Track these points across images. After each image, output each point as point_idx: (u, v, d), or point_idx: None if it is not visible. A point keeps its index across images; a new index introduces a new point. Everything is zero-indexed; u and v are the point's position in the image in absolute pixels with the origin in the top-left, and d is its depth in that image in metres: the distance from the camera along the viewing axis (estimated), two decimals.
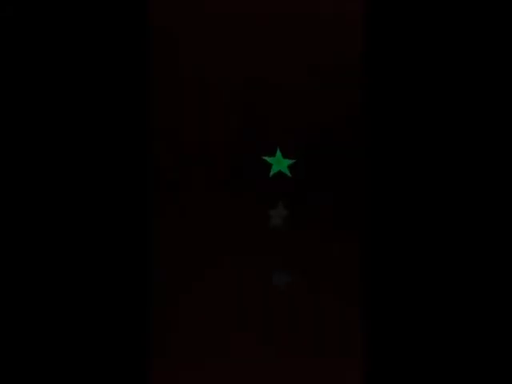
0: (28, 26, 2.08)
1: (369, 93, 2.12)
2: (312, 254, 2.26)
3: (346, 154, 2.21)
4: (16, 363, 2.10)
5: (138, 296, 2.14)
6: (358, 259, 2.20)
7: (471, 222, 2.06)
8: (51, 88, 2.07)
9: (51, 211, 2.06)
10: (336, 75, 2.22)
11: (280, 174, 2.26)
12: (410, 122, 2.07)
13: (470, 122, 2.04)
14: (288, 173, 2.24)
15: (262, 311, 2.29)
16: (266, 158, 2.24)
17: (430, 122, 2.06)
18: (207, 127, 2.25)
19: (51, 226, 2.08)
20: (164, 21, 2.22)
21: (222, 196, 2.27)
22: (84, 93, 2.08)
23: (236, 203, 2.27)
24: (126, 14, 2.12)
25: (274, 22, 2.23)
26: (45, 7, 2.08)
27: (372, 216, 2.11)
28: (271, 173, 2.24)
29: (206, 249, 2.28)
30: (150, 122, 2.19)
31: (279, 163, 2.25)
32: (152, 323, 2.22)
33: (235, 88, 2.25)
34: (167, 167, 2.24)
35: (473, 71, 2.05)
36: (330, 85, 2.22)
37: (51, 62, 2.07)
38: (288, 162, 2.24)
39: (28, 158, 2.05)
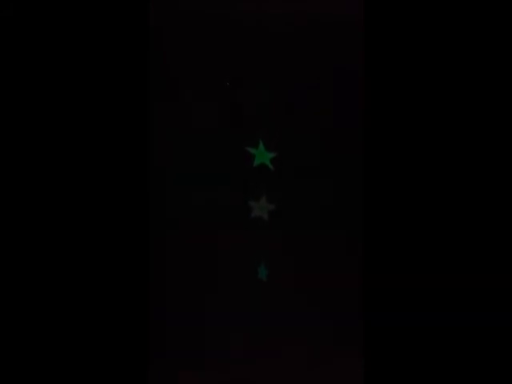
0: (27, 25, 2.08)
1: (369, 93, 2.12)
2: (312, 253, 2.26)
3: (346, 154, 2.21)
4: (17, 364, 2.10)
5: (137, 296, 2.14)
6: (358, 259, 2.20)
7: (472, 220, 2.06)
8: (49, 87, 2.07)
9: (50, 210, 2.06)
10: (336, 75, 2.22)
11: (263, 167, 2.24)
12: (411, 122, 2.07)
13: (471, 123, 2.04)
14: (270, 166, 2.23)
15: (262, 311, 2.28)
16: (249, 149, 2.22)
17: (431, 122, 2.06)
18: (207, 127, 2.25)
19: (50, 225, 2.07)
20: (164, 21, 2.22)
21: (221, 196, 2.27)
22: (83, 93, 2.08)
23: (236, 203, 2.27)
24: (126, 14, 2.12)
25: (274, 21, 2.23)
26: (44, 7, 2.08)
27: (372, 216, 2.11)
28: (254, 164, 2.22)
29: (205, 248, 2.28)
30: (150, 121, 2.18)
31: (262, 156, 2.23)
32: (152, 323, 2.22)
33: (234, 88, 2.25)
34: (167, 167, 2.24)
35: (474, 73, 2.05)
36: (330, 85, 2.22)
37: (50, 62, 2.07)
38: (271, 155, 2.22)
39: (27, 158, 2.05)
